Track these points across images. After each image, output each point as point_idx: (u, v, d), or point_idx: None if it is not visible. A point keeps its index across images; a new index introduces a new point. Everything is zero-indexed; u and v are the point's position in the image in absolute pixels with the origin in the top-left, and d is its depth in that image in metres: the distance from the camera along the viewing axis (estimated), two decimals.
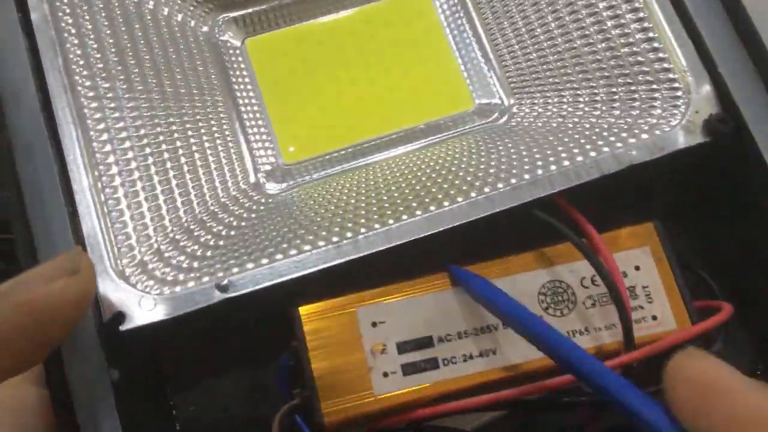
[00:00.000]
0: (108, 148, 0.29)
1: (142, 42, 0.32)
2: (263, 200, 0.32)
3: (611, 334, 0.29)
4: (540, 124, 0.33)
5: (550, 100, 0.33)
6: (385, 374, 0.28)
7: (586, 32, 0.32)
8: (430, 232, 0.28)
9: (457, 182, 0.30)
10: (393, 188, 0.30)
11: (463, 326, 0.28)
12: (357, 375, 0.28)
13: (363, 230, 0.28)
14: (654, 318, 0.29)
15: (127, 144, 0.30)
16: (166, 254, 0.28)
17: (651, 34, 0.31)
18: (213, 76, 0.34)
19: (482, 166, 0.31)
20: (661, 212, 0.30)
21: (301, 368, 0.28)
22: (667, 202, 0.32)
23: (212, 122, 0.32)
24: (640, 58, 0.31)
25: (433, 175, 0.31)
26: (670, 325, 0.29)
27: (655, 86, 0.31)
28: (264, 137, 0.33)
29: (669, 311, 0.29)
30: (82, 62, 0.30)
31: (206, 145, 0.32)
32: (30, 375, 0.29)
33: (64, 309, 0.23)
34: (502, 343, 0.28)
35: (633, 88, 0.31)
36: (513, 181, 0.29)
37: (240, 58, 0.35)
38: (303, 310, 0.28)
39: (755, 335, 0.32)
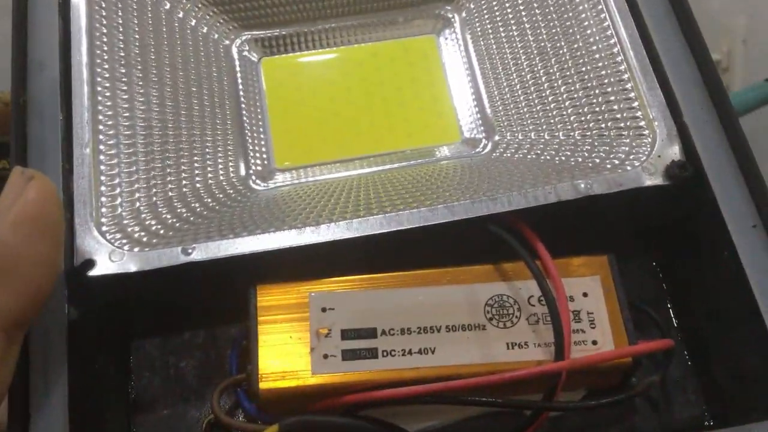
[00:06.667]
0: (113, 122, 0.32)
1: (166, 44, 0.36)
2: (247, 193, 0.34)
3: (547, 352, 0.29)
4: (518, 158, 0.34)
5: (529, 138, 0.35)
6: (325, 356, 0.29)
7: (569, 80, 0.35)
8: (387, 230, 0.30)
9: (422, 196, 0.32)
10: (363, 194, 0.32)
11: (408, 324, 0.30)
12: (298, 353, 0.29)
13: (326, 222, 0.30)
14: (594, 343, 0.30)
15: (132, 122, 0.33)
16: (145, 218, 0.31)
17: (627, 85, 0.33)
18: (225, 83, 0.37)
19: (450, 185, 0.32)
20: (619, 248, 0.31)
21: (248, 345, 0.30)
22: (626, 239, 0.33)
23: (217, 120, 0.35)
24: (613, 106, 0.33)
25: (402, 189, 0.33)
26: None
27: (623, 131, 0.32)
28: (261, 141, 0.36)
29: (610, 338, 0.30)
30: (106, 48, 0.34)
31: (207, 137, 0.35)
32: None
33: (47, 204, 0.25)
34: (441, 344, 0.29)
35: (605, 132, 0.33)
36: (474, 196, 0.31)
37: (253, 73, 0.38)
38: (259, 288, 0.30)
39: (707, 383, 0.32)
